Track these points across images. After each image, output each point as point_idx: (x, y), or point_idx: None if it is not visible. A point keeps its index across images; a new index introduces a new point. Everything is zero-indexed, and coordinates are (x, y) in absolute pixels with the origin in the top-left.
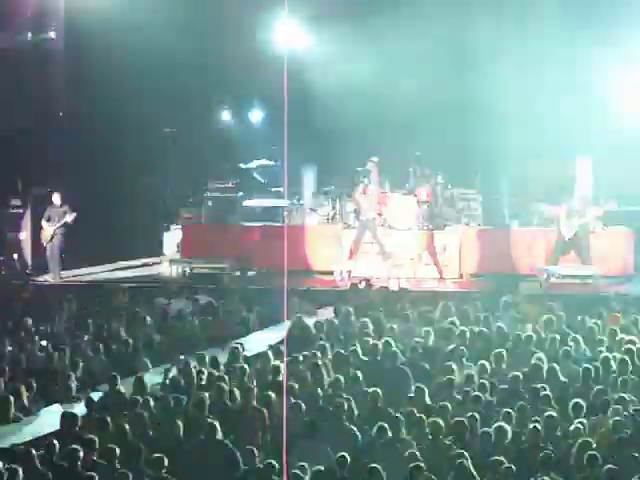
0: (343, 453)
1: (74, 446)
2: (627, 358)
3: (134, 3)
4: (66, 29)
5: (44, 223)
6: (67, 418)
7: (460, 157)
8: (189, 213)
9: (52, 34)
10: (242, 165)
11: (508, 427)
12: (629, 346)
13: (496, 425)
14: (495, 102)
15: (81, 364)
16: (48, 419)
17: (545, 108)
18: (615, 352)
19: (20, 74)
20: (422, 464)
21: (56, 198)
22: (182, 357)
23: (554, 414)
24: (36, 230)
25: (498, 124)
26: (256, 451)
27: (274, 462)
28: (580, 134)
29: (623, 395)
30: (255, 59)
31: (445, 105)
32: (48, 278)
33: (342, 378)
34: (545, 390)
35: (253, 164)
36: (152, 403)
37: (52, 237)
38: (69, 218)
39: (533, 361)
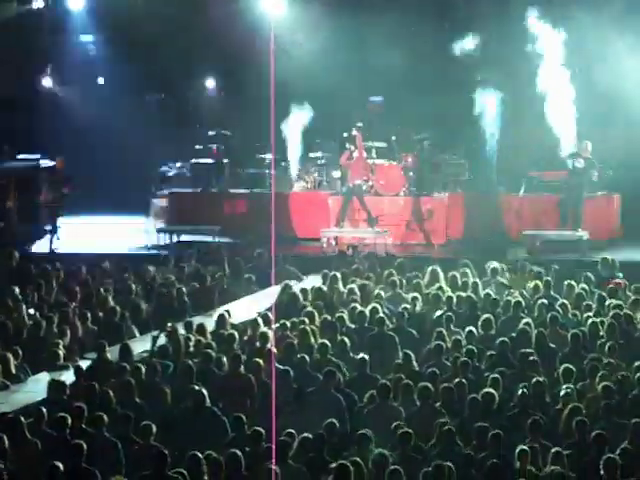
0: (331, 419)
1: (62, 414)
2: (615, 323)
3: None
4: None
5: None
6: (55, 386)
7: (447, 124)
8: (176, 178)
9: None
10: (226, 132)
11: (495, 393)
12: (617, 311)
13: (483, 391)
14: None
15: (69, 332)
16: (36, 387)
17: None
18: (603, 317)
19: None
20: (410, 430)
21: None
22: (169, 324)
23: (541, 379)
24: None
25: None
26: (244, 418)
27: (261, 429)
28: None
29: (611, 360)
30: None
31: (429, 74)
32: None
33: (329, 344)
34: (533, 356)
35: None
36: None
37: None
38: None
39: (521, 327)
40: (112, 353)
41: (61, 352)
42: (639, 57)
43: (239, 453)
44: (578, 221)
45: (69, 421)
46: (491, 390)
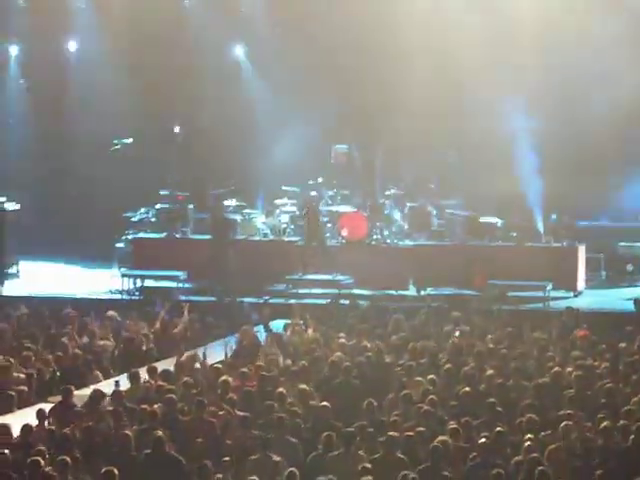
0: (292, 469)
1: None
2: (580, 373)
3: None
4: None
5: None
6: (23, 429)
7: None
8: (141, 224)
9: None
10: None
11: (450, 441)
12: (580, 362)
13: (439, 439)
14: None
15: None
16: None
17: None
18: (568, 367)
19: None
20: (373, 478)
21: None
22: (133, 370)
23: (503, 429)
24: None
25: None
26: (210, 465)
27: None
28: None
29: (572, 411)
30: None
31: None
32: None
33: (292, 392)
34: (496, 406)
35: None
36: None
37: None
38: None
39: (486, 376)
40: (77, 398)
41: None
42: None
43: None
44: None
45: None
46: (445, 438)
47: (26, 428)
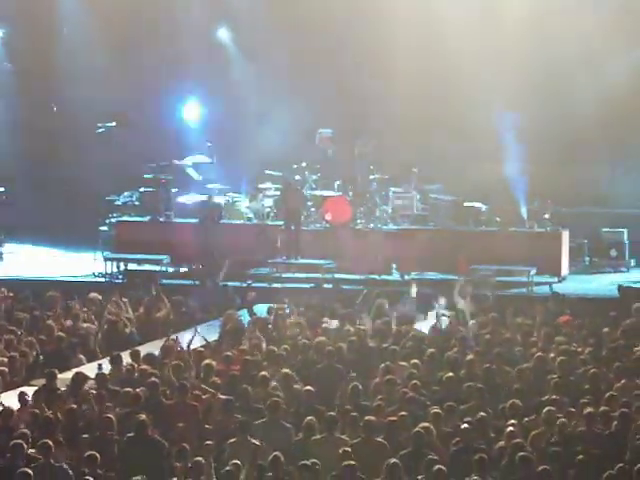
0: (276, 452)
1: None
2: (563, 359)
3: None
4: None
5: None
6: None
7: (399, 156)
8: (125, 208)
9: None
10: (176, 161)
11: (432, 427)
12: (564, 347)
13: (421, 425)
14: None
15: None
16: None
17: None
18: (551, 353)
19: None
20: (355, 462)
21: None
22: (115, 353)
23: (485, 414)
24: None
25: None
26: (188, 448)
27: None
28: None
29: (556, 397)
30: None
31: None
32: None
33: (275, 376)
34: (480, 391)
35: (187, 160)
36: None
37: None
38: None
39: (467, 361)
40: (61, 381)
41: None
42: None
43: None
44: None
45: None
46: (427, 424)
47: (6, 412)
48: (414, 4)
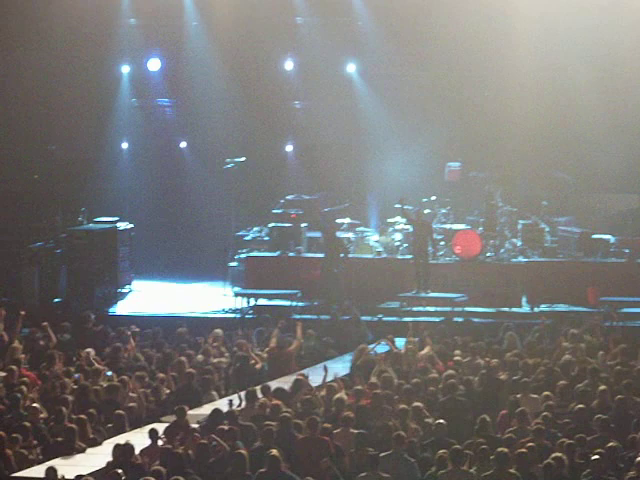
0: None
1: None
2: None
3: None
4: None
5: None
6: (121, 449)
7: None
8: (254, 243)
9: None
10: (305, 196)
11: (565, 458)
12: None
13: (553, 455)
14: None
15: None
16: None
17: None
18: None
19: None
20: None
21: None
22: (250, 388)
23: (615, 444)
24: None
25: None
26: None
27: None
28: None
29: None
30: None
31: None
32: None
33: (408, 409)
34: (611, 422)
35: (316, 195)
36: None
37: None
38: None
39: (599, 392)
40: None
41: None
42: None
43: None
44: None
45: None
46: (560, 454)
47: (127, 448)
48: (540, 43)
